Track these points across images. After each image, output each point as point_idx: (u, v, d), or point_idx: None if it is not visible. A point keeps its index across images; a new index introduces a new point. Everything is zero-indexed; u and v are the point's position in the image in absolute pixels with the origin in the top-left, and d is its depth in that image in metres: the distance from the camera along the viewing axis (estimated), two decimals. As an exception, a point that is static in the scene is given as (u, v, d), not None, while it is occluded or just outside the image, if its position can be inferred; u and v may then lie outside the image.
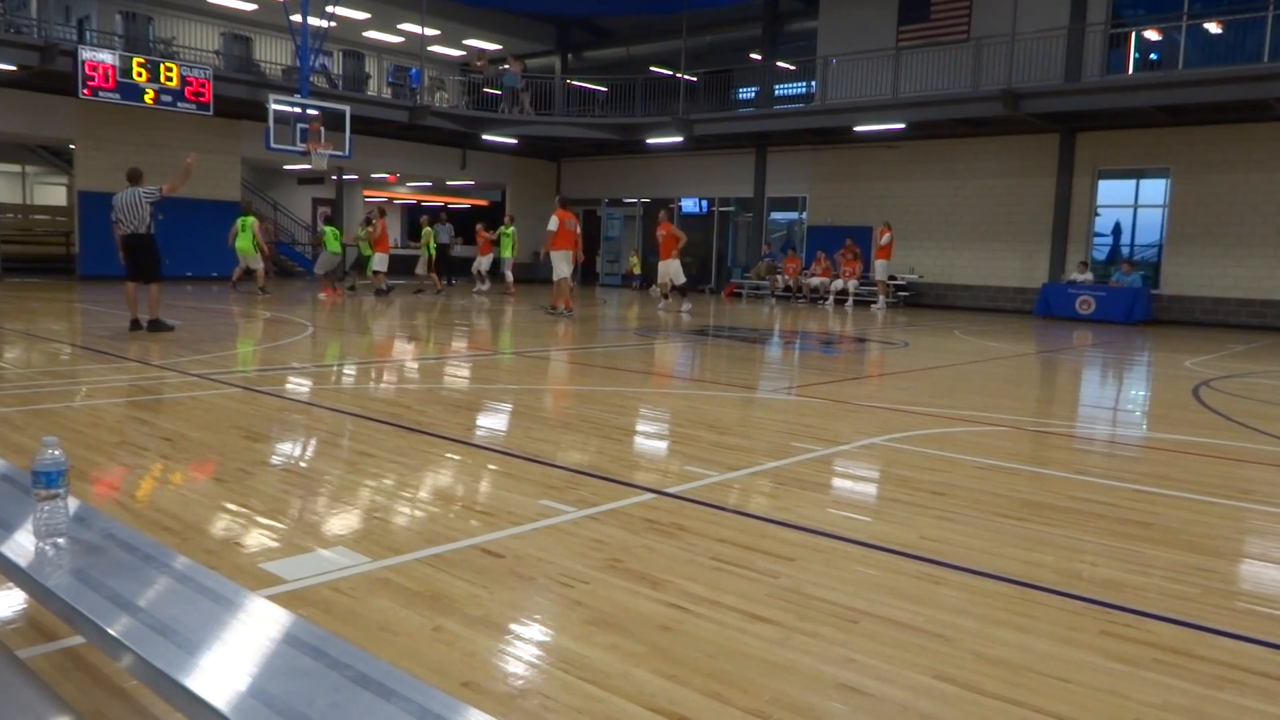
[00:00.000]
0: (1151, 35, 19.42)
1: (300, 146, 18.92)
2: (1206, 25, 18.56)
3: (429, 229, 21.42)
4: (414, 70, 23.29)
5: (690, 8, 22.75)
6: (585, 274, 28.82)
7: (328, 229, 19.43)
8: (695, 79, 24.00)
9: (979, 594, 2.93)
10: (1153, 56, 19.63)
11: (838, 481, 4.56)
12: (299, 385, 6.88)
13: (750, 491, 4.18)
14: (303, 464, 4.52)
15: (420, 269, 21.24)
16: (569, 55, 29.55)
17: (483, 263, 21.83)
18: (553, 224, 14.39)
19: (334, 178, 25.96)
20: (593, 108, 26.65)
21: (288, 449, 4.83)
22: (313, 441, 5.00)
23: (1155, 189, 19.23)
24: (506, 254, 21.31)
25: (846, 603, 2.78)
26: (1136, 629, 2.68)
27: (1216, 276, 18.04)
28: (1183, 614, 2.80)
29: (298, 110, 18.90)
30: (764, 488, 4.25)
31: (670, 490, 4.02)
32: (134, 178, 9.92)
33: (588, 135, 24.76)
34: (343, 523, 3.46)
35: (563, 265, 14.55)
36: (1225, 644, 2.60)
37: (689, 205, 27.00)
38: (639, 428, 5.87)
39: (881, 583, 3.00)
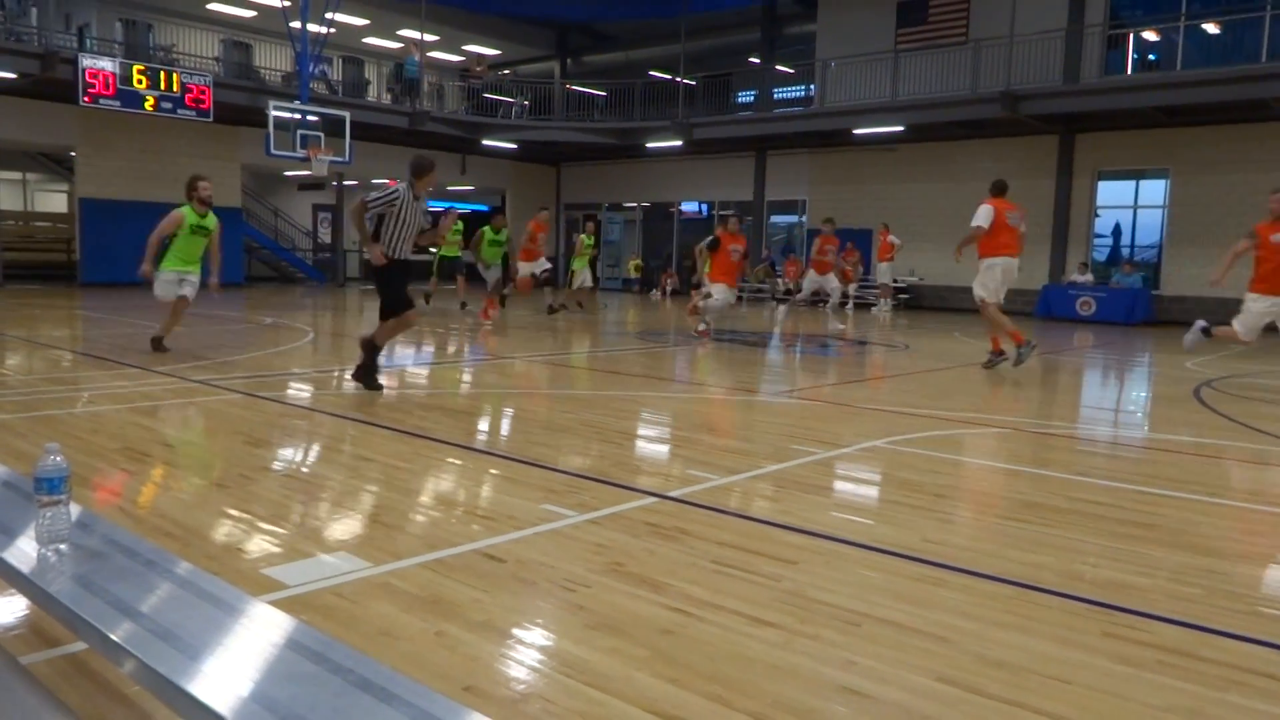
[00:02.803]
0: (1150, 36, 19.44)
1: (300, 152, 18.97)
2: (1204, 26, 18.57)
3: (587, 237, 18.56)
4: (410, 60, 22.87)
5: (689, 12, 22.79)
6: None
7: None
8: (694, 83, 24.02)
9: (980, 596, 2.92)
10: (1151, 57, 19.65)
11: (839, 484, 4.56)
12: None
13: (752, 494, 4.18)
14: (304, 469, 4.52)
15: (579, 282, 17.63)
16: (568, 60, 29.60)
17: (830, 283, 15.23)
18: (984, 216, 8.81)
19: (334, 183, 25.99)
20: (592, 112, 26.70)
21: (289, 454, 4.83)
22: (315, 447, 5.00)
23: (1155, 190, 19.24)
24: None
25: (848, 605, 2.78)
26: (1139, 630, 2.68)
27: (1217, 277, 18.02)
28: (1186, 615, 2.80)
29: (298, 116, 18.94)
30: (765, 491, 4.25)
31: (672, 494, 4.03)
32: (418, 170, 6.67)
33: (587, 140, 24.78)
34: (344, 528, 3.47)
35: (994, 281, 9.02)
36: (1229, 645, 2.60)
37: (689, 208, 27.02)
38: (640, 431, 5.87)
39: (883, 585, 3.00)
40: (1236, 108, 16.70)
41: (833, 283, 15.09)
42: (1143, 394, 8.52)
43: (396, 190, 6.49)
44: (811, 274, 15.12)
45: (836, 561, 3.23)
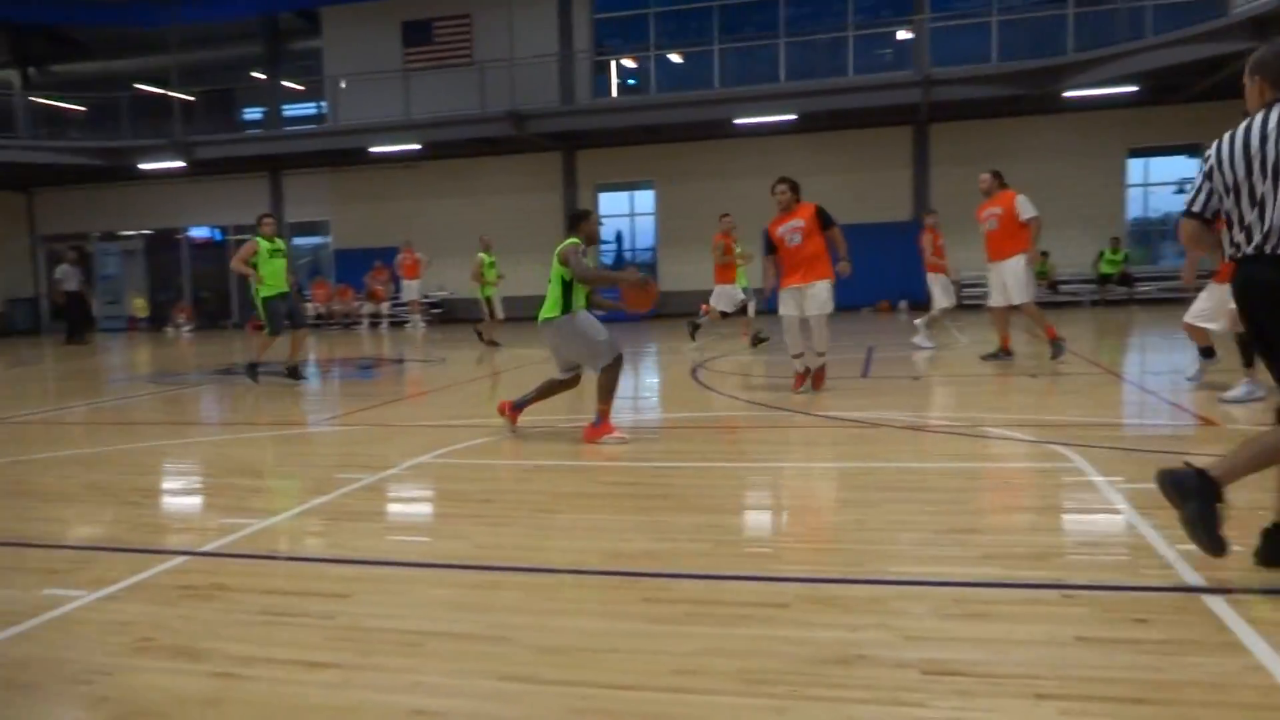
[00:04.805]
0: (629, 63, 21.94)
1: None
2: (670, 55, 21.47)
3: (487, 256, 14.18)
4: None
5: (179, 21, 20.91)
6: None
7: None
8: (193, 98, 22.07)
9: (533, 590, 3.08)
10: (630, 82, 22.18)
11: (389, 506, 4.50)
12: None
13: (297, 533, 3.96)
14: None
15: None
16: (30, 68, 25.44)
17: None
18: None
19: None
20: (68, 129, 23.28)
21: None
22: None
23: (646, 199, 21.76)
24: None
25: (408, 627, 2.76)
26: (670, 590, 3.01)
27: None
28: (703, 569, 3.20)
29: None
30: (312, 526, 4.05)
31: (206, 548, 3.66)
32: None
33: (64, 160, 21.57)
34: None
35: None
36: (736, 587, 3.03)
37: (199, 234, 24.81)
38: (163, 485, 5.26)
39: (442, 599, 3.02)
40: (704, 126, 19.49)
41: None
42: (656, 381, 9.56)
43: None
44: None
45: (392, 586, 3.19)
